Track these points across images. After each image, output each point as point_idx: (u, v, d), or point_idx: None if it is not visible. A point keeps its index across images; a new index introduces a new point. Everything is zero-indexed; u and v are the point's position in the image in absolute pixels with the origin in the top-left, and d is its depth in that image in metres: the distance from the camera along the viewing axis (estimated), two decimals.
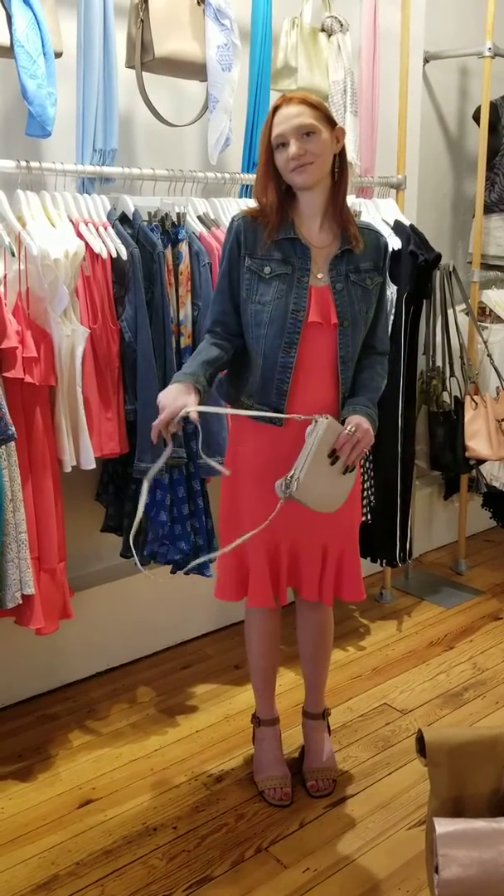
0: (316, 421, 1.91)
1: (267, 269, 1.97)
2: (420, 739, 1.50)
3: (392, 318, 2.99)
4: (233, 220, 2.04)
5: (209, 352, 2.02)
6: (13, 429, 2.05)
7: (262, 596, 2.14)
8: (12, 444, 2.16)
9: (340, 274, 2.00)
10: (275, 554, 2.13)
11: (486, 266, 3.70)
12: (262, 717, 2.35)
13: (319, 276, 1.99)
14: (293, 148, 1.89)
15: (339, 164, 1.99)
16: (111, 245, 2.33)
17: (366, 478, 3.02)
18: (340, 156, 1.99)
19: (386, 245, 2.09)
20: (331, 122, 1.94)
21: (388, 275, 2.13)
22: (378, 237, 2.08)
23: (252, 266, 1.98)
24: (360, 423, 1.96)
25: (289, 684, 2.77)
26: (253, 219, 2.00)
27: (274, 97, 2.78)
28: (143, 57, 2.44)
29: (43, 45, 2.18)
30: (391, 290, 2.98)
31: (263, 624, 2.26)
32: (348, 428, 1.95)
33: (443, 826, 1.36)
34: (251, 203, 2.71)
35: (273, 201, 1.97)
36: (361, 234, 2.03)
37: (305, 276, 1.97)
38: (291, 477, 1.88)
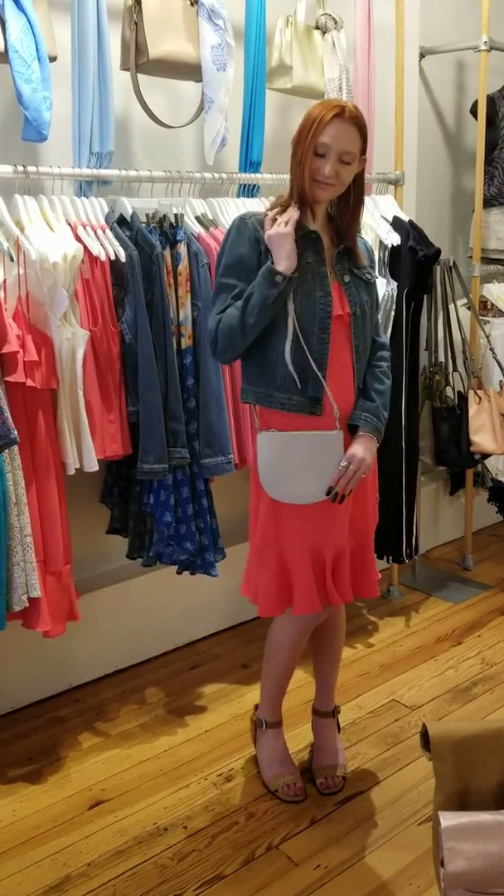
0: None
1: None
2: (425, 734, 1.50)
3: (393, 314, 2.99)
4: (244, 219, 2.01)
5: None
6: (16, 433, 2.06)
7: (311, 602, 2.10)
8: (15, 447, 2.17)
9: (345, 268, 2.06)
10: (319, 558, 2.11)
11: (486, 260, 3.69)
12: (270, 720, 2.34)
13: (330, 272, 2.04)
14: (328, 169, 1.92)
15: (357, 185, 2.03)
16: (110, 247, 2.34)
17: None
18: (358, 179, 2.02)
19: (369, 247, 2.19)
20: (363, 151, 1.99)
21: (377, 271, 2.17)
22: (365, 243, 2.18)
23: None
24: (354, 456, 2.03)
25: (296, 682, 2.77)
26: (264, 220, 2.00)
27: (269, 96, 2.80)
28: (138, 59, 2.44)
29: (37, 50, 2.19)
30: (391, 287, 2.98)
31: (304, 632, 2.20)
32: (342, 464, 2.01)
33: (448, 819, 1.36)
34: (250, 203, 2.73)
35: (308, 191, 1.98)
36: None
37: (324, 269, 2.01)
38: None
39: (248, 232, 2.00)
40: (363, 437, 2.06)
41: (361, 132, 1.95)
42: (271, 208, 2.04)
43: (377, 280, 2.16)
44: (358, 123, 1.94)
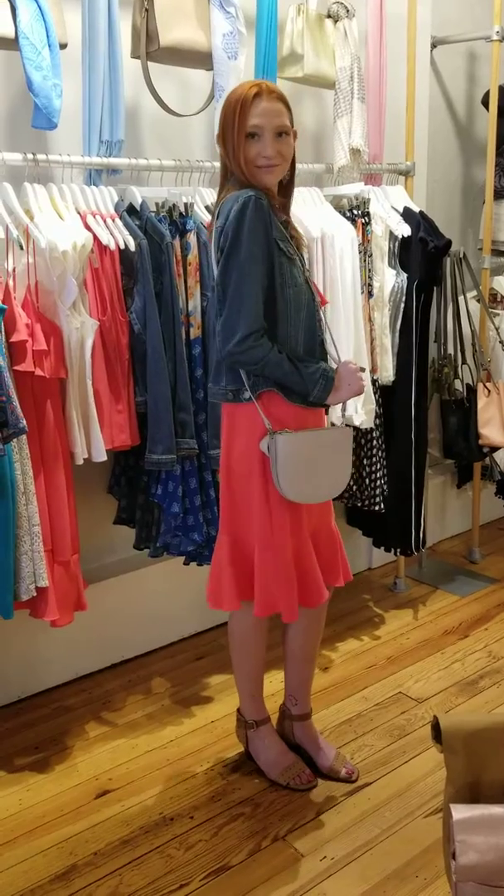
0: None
1: (290, 250, 1.98)
2: (436, 726, 1.50)
3: (403, 305, 2.98)
4: (256, 199, 1.87)
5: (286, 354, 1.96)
6: (24, 422, 2.05)
7: (317, 591, 2.08)
8: (24, 437, 2.16)
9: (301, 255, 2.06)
10: (316, 544, 2.12)
11: (496, 252, 3.67)
12: (259, 718, 2.31)
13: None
14: (269, 149, 1.89)
15: (290, 166, 2.01)
16: (119, 236, 2.33)
17: (378, 467, 3.01)
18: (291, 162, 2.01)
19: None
20: (293, 126, 1.96)
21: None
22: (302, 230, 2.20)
23: (283, 247, 1.95)
24: None
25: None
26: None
27: (281, 85, 2.77)
28: (149, 47, 2.43)
29: (48, 37, 2.18)
30: (401, 278, 2.96)
31: (263, 627, 2.21)
32: None
33: (459, 812, 1.35)
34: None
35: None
36: None
37: (301, 257, 2.01)
38: None
39: (265, 216, 1.88)
40: None
41: (286, 104, 1.92)
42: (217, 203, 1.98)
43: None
44: (281, 97, 1.91)
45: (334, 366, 2.03)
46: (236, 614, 2.21)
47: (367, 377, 2.14)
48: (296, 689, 2.31)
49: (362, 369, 2.02)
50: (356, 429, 2.90)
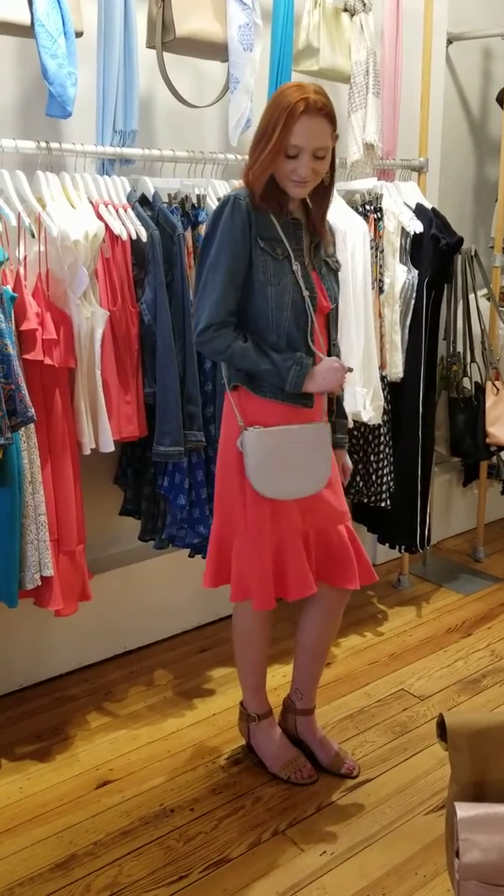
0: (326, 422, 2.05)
1: (278, 250, 1.95)
2: (441, 724, 1.49)
3: (413, 302, 2.97)
4: (235, 199, 1.92)
5: (256, 342, 1.97)
6: (33, 410, 2.05)
7: (305, 585, 2.07)
8: (32, 426, 2.16)
9: (319, 259, 2.04)
10: (306, 541, 2.11)
11: None
12: (261, 712, 2.31)
13: (308, 261, 2.01)
14: (304, 170, 1.87)
15: (330, 171, 1.98)
16: (131, 227, 2.32)
17: (385, 463, 3.00)
18: (331, 161, 1.97)
19: (330, 224, 2.13)
20: (335, 133, 1.93)
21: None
22: (332, 225, 2.15)
23: (265, 247, 1.93)
24: (346, 466, 2.24)
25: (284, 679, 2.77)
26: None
27: (296, 78, 2.76)
28: (164, 37, 2.42)
29: (63, 25, 2.17)
30: (412, 275, 2.95)
31: (264, 613, 2.19)
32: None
33: (464, 810, 1.35)
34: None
35: (266, 189, 1.92)
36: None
37: (303, 257, 1.99)
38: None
39: (241, 218, 1.91)
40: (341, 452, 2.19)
41: (331, 119, 1.88)
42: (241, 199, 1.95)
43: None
44: (327, 113, 1.86)
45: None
46: (240, 607, 2.21)
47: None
48: (302, 684, 2.30)
49: (349, 370, 2.00)
50: (363, 424, 2.90)
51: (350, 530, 2.15)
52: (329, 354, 2.04)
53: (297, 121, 1.83)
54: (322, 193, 2.01)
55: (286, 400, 1.99)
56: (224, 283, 1.91)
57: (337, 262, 2.11)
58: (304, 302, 1.95)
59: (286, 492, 2.01)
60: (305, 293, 1.95)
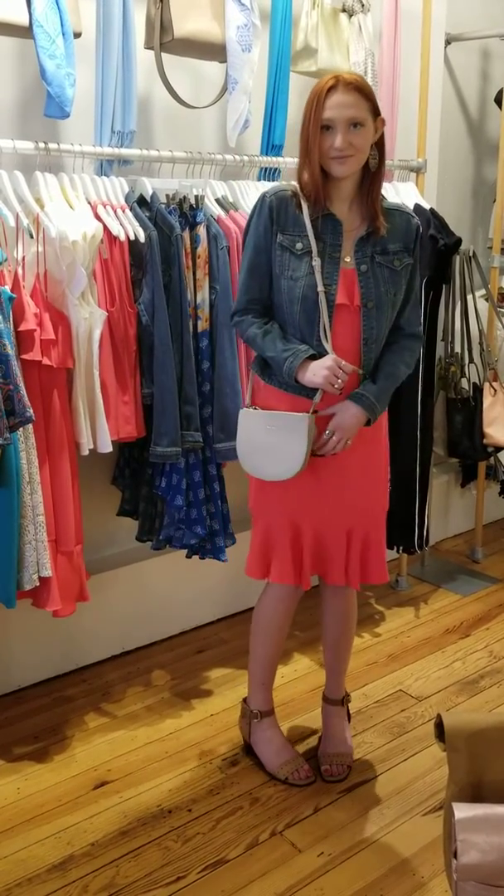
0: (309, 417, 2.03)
1: (299, 245, 1.98)
2: (439, 724, 1.49)
3: None
4: (263, 196, 2.03)
5: (275, 330, 2.04)
6: (31, 411, 2.05)
7: (285, 572, 2.15)
8: (30, 426, 2.16)
9: (366, 255, 2.01)
10: (297, 534, 2.14)
11: None
12: (264, 709, 2.32)
13: (347, 259, 2.00)
14: (339, 140, 1.89)
15: (378, 153, 1.99)
16: (129, 227, 2.32)
17: None
18: (379, 145, 1.99)
19: (418, 227, 2.09)
20: (376, 112, 1.94)
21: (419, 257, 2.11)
22: (409, 219, 2.08)
23: (284, 241, 1.99)
24: (339, 426, 2.03)
25: (304, 669, 2.77)
26: (288, 196, 2.00)
27: (293, 79, 2.77)
28: (163, 37, 2.42)
29: (62, 26, 2.17)
30: None
31: (279, 604, 2.22)
32: (326, 433, 2.04)
33: (462, 811, 1.35)
34: (270, 185, 2.70)
35: (315, 178, 1.95)
36: (392, 216, 2.05)
37: (337, 253, 1.99)
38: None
39: (264, 215, 2.01)
40: (353, 409, 2.03)
41: (364, 94, 1.91)
42: (285, 190, 2.01)
43: (416, 265, 2.10)
44: (358, 87, 1.90)
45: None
46: (264, 597, 2.26)
47: None
48: (327, 670, 2.39)
49: (357, 371, 2.01)
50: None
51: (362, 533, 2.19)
52: (360, 352, 2.03)
53: (328, 96, 1.89)
54: (370, 178, 2.01)
55: (289, 390, 2.05)
56: (246, 274, 2.06)
57: (397, 260, 2.03)
58: (318, 297, 1.96)
59: (257, 470, 2.10)
60: (320, 289, 1.96)
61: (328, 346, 1.99)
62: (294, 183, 2.02)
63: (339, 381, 1.96)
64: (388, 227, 2.02)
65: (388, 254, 2.02)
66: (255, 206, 2.05)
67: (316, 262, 1.97)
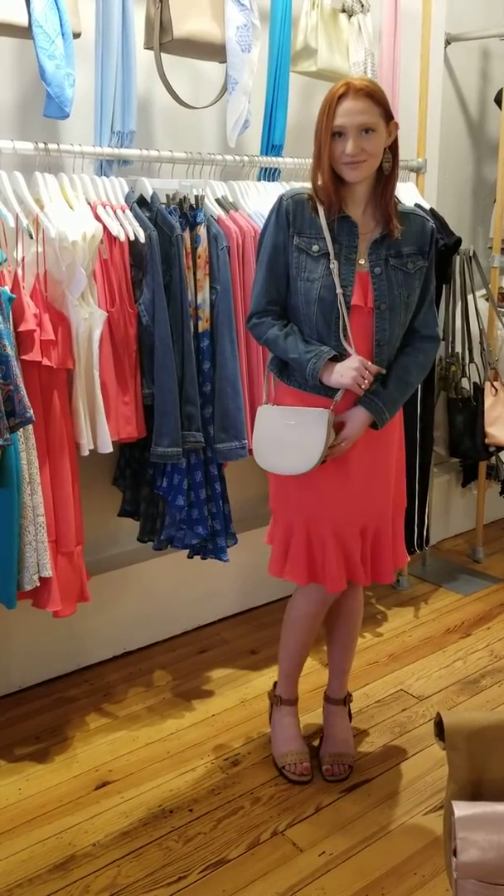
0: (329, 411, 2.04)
1: (315, 248, 2.00)
2: (439, 723, 1.49)
3: None
4: (280, 199, 2.06)
5: (295, 332, 2.06)
6: (31, 411, 2.05)
7: (298, 571, 2.17)
8: (30, 426, 2.16)
9: (380, 258, 2.02)
10: (314, 534, 2.15)
11: None
12: (286, 697, 2.37)
13: (361, 261, 2.01)
14: (350, 146, 1.91)
15: (392, 157, 2.01)
16: (129, 228, 2.32)
17: None
18: (392, 149, 2.00)
19: (433, 230, 2.10)
20: (388, 117, 1.96)
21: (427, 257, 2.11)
22: (424, 222, 2.09)
23: (301, 244, 2.02)
24: (348, 436, 2.06)
25: (306, 669, 2.75)
26: (305, 198, 2.03)
27: (293, 79, 2.77)
28: (162, 38, 2.42)
29: (61, 26, 2.17)
30: None
31: (307, 604, 2.24)
32: (336, 440, 2.05)
33: (461, 809, 1.35)
34: (271, 187, 2.71)
35: (327, 183, 1.97)
36: (407, 219, 2.06)
37: (353, 255, 2.00)
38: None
39: (281, 217, 2.03)
40: (360, 415, 2.05)
41: (376, 99, 1.92)
42: (301, 194, 2.03)
43: (431, 268, 2.11)
44: (369, 93, 1.91)
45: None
46: (298, 592, 2.27)
47: None
48: (329, 669, 2.40)
49: (381, 372, 2.03)
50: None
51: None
52: (372, 354, 2.04)
53: (339, 103, 1.90)
54: (384, 182, 2.02)
55: (310, 390, 2.07)
56: (264, 276, 2.08)
57: (411, 260, 2.03)
58: (336, 299, 1.98)
59: (273, 466, 2.11)
60: (339, 291, 1.97)
61: (350, 348, 2.00)
62: (310, 185, 2.04)
63: (366, 381, 1.98)
64: (403, 230, 2.03)
65: (402, 256, 2.03)
66: (272, 209, 2.06)
67: (334, 264, 1.98)
